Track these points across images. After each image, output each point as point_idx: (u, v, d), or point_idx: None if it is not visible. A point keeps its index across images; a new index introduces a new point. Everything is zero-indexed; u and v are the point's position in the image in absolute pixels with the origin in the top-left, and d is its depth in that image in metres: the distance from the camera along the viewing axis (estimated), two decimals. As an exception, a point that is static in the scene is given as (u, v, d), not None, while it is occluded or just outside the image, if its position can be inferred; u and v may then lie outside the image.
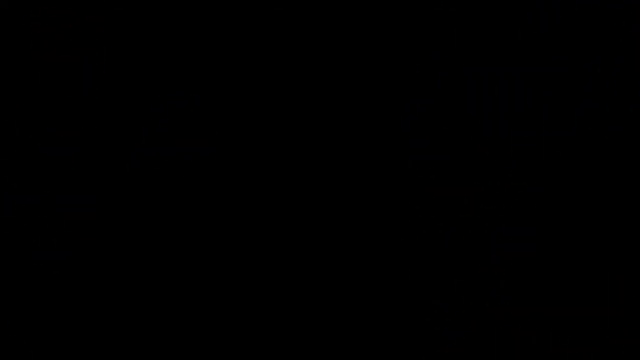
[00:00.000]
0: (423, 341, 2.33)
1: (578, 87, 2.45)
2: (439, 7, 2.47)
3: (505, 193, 2.41)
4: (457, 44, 2.48)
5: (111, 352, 2.32)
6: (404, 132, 2.46)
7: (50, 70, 2.43)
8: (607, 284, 2.32)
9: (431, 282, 2.38)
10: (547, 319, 2.32)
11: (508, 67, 2.48)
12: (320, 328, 2.35)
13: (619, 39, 2.42)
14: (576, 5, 2.44)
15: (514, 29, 2.48)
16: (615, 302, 2.30)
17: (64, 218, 2.38)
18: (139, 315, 2.35)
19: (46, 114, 2.43)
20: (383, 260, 2.40)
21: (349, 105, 2.48)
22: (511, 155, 2.43)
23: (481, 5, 2.48)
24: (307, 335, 2.35)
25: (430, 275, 2.38)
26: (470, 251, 2.38)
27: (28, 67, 2.43)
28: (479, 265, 2.38)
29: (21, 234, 2.37)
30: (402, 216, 2.42)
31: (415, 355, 2.33)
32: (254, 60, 2.49)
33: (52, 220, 2.38)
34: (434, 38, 2.48)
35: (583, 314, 2.30)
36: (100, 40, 2.45)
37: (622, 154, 2.37)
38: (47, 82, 2.43)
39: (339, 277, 2.38)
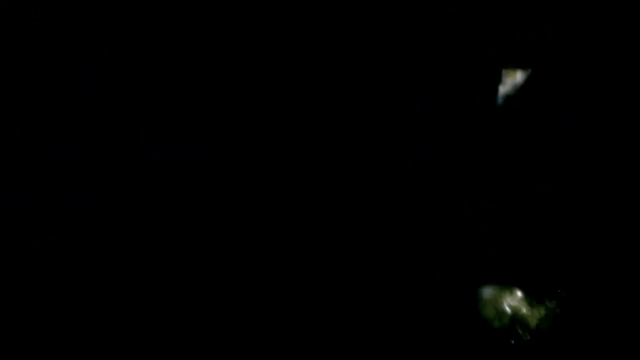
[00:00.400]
0: (423, 340, 2.33)
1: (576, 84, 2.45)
2: (439, 7, 2.48)
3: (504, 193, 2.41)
4: (457, 44, 2.48)
5: (111, 351, 2.32)
6: (404, 132, 2.47)
7: (50, 70, 2.43)
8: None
9: (431, 282, 2.38)
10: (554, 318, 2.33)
11: (507, 67, 2.48)
12: (320, 327, 2.35)
13: None
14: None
15: (514, 28, 2.48)
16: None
17: (64, 218, 2.38)
18: (139, 314, 2.35)
19: (46, 114, 2.43)
20: (383, 259, 2.40)
21: (349, 106, 2.48)
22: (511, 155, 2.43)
23: (481, 6, 2.48)
24: (307, 333, 2.35)
25: (430, 274, 2.38)
26: (470, 251, 2.38)
27: (28, 67, 2.43)
28: (478, 264, 2.38)
29: (21, 234, 2.37)
30: (402, 216, 2.42)
31: (415, 354, 2.33)
32: (253, 61, 2.49)
33: (52, 220, 2.38)
34: (434, 38, 2.48)
35: None
36: (100, 40, 2.45)
37: None
38: (47, 82, 2.43)
39: (339, 277, 2.38)
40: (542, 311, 2.26)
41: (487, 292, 2.28)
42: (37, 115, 2.43)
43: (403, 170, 2.45)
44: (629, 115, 2.40)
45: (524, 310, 2.28)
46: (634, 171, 2.37)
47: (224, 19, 2.48)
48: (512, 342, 2.28)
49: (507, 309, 2.28)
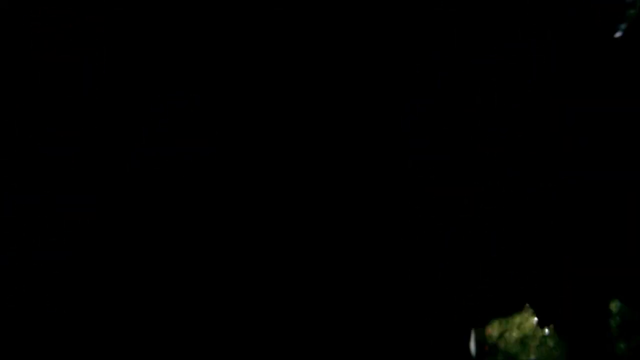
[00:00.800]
0: (422, 340, 2.34)
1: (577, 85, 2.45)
2: (439, 7, 2.48)
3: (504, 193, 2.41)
4: (457, 44, 2.48)
5: (111, 350, 2.32)
6: (404, 132, 2.47)
7: (50, 70, 2.43)
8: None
9: (431, 282, 2.38)
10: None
11: (507, 66, 2.48)
12: (319, 326, 2.35)
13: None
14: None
15: (514, 28, 2.48)
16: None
17: (64, 218, 2.39)
18: (138, 313, 2.35)
19: (46, 114, 2.43)
20: (383, 259, 2.40)
21: (349, 106, 2.48)
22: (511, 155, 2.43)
23: (481, 6, 2.48)
24: (307, 333, 2.35)
25: (429, 274, 2.39)
26: (470, 251, 2.38)
27: (28, 67, 2.43)
28: (478, 264, 2.38)
29: (21, 234, 2.37)
30: (402, 216, 2.42)
31: (415, 354, 2.33)
32: (254, 61, 2.49)
33: (52, 220, 2.38)
34: (434, 38, 2.48)
35: None
36: (100, 40, 2.45)
37: None
38: (47, 82, 2.43)
39: (339, 276, 2.39)
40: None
41: None
42: (37, 115, 2.43)
43: (403, 170, 2.45)
44: (629, 115, 2.40)
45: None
46: (634, 171, 2.37)
47: (224, 19, 2.48)
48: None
49: None
